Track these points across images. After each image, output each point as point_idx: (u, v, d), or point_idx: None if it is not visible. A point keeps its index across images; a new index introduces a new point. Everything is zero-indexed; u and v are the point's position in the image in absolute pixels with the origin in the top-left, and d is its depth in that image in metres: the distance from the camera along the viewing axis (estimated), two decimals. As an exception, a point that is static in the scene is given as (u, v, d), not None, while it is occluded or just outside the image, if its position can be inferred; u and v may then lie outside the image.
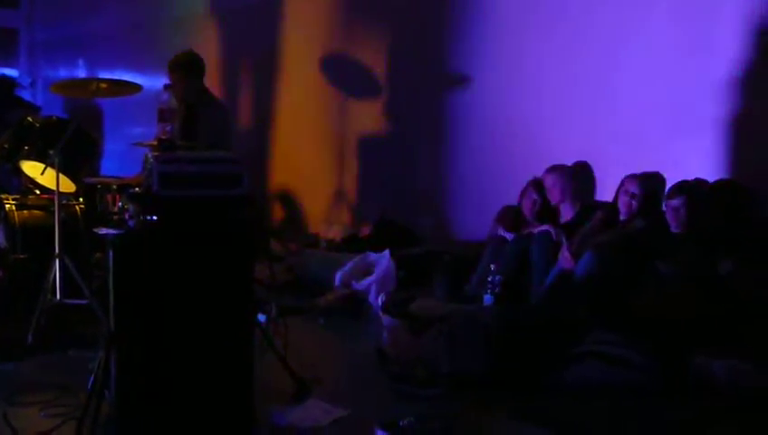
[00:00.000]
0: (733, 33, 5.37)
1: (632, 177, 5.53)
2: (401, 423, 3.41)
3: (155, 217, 3.20)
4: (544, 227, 5.67)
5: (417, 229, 7.20)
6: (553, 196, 5.85)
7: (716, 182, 5.32)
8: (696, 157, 5.53)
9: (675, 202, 5.15)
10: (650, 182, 5.50)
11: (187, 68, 5.78)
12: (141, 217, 3.23)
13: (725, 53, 5.41)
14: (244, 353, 3.39)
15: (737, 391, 4.02)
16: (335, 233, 7.81)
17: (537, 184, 6.03)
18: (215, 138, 5.63)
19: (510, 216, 6.11)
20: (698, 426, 3.69)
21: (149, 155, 3.32)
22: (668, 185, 5.40)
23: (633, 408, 3.88)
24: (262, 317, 4.80)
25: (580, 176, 5.94)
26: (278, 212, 8.68)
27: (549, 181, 5.87)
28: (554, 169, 5.90)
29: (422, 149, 7.39)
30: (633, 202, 5.44)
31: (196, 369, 3.30)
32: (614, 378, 4.13)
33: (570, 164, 5.99)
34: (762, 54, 5.30)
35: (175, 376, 3.28)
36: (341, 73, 8.05)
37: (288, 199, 8.58)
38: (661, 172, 5.51)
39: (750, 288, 4.55)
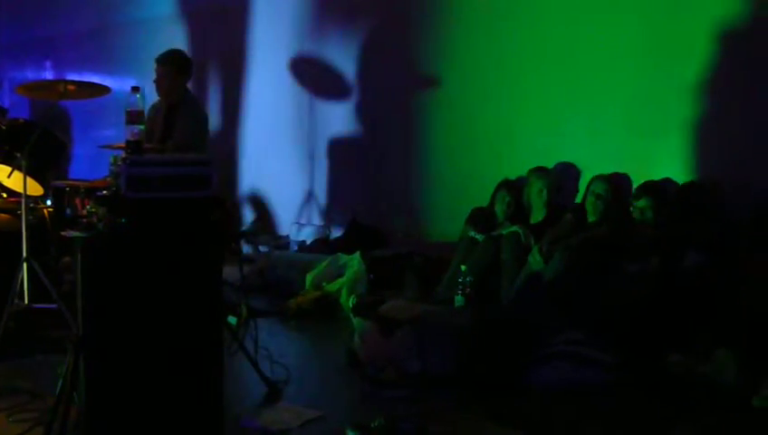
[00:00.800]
0: (701, 34, 5.42)
1: (598, 178, 5.57)
2: (372, 425, 3.41)
3: (123, 220, 3.18)
4: (514, 228, 5.69)
5: (388, 231, 7.21)
6: (542, 197, 5.86)
7: (686, 183, 5.37)
8: (663, 157, 5.58)
9: (642, 203, 5.19)
10: (616, 183, 5.53)
11: (177, 64, 5.78)
12: (110, 220, 3.20)
13: (693, 54, 5.46)
14: (214, 356, 3.37)
15: (707, 387, 4.06)
16: (306, 235, 7.80)
17: (508, 185, 6.05)
18: (192, 138, 5.62)
19: (481, 217, 6.12)
20: (669, 423, 3.72)
21: (117, 157, 3.29)
22: (636, 185, 5.45)
23: (603, 407, 3.92)
24: (232, 319, 4.78)
25: (562, 177, 5.98)
26: (249, 214, 8.65)
27: (537, 184, 5.88)
28: (535, 170, 5.92)
29: (393, 150, 7.39)
30: (599, 203, 5.48)
31: (165, 372, 3.27)
32: (584, 377, 4.16)
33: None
34: (728, 56, 5.35)
35: (143, 380, 3.25)
36: (311, 75, 8.03)
37: (259, 201, 8.55)
38: (627, 173, 5.55)
39: (716, 285, 4.59)
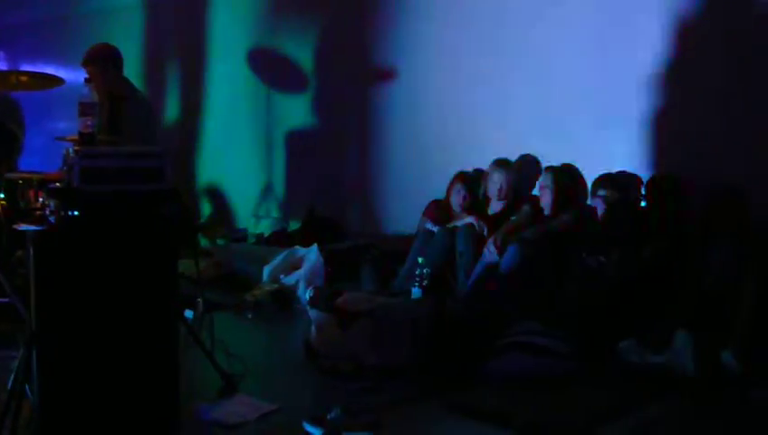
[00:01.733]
0: (657, 28, 5.48)
1: (547, 169, 5.60)
2: (329, 417, 3.42)
3: (76, 213, 3.15)
4: (468, 219, 5.72)
5: (345, 224, 7.21)
6: (502, 191, 5.88)
7: (651, 176, 5.42)
8: (620, 150, 5.63)
9: (600, 194, 5.23)
10: (564, 174, 5.56)
11: (101, 61, 5.63)
12: (63, 213, 3.17)
13: (650, 48, 5.52)
14: (169, 349, 3.35)
15: (661, 374, 4.12)
16: (263, 228, 7.78)
17: (464, 177, 6.07)
18: (139, 131, 5.54)
19: (438, 209, 6.14)
20: (624, 410, 3.76)
21: (70, 150, 3.26)
22: (594, 178, 5.49)
23: (558, 396, 3.95)
24: (189, 313, 4.76)
25: (522, 169, 6.00)
26: (206, 207, 8.61)
27: (496, 176, 5.89)
28: (501, 163, 5.93)
29: (350, 143, 7.40)
30: (546, 193, 5.51)
31: (120, 366, 3.25)
32: (542, 368, 4.19)
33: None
34: (684, 50, 5.41)
35: (98, 374, 3.23)
36: (268, 67, 8.00)
37: (216, 194, 8.51)
38: (577, 164, 5.59)
39: (674, 274, 4.65)
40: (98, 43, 5.74)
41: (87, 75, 5.52)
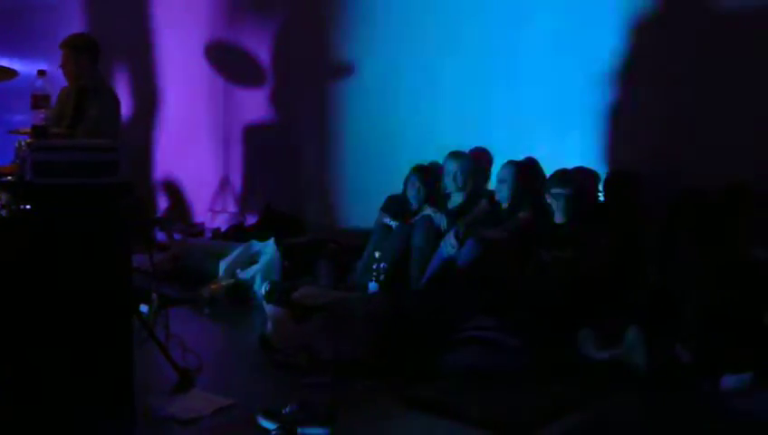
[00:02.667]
0: (612, 24, 5.52)
1: (507, 163, 5.63)
2: (284, 411, 3.42)
3: (29, 207, 3.12)
4: (427, 211, 5.72)
5: (302, 218, 7.20)
6: (457, 181, 5.89)
7: (609, 172, 5.47)
8: (577, 146, 5.67)
9: (557, 191, 5.26)
10: (523, 168, 5.60)
11: (79, 47, 5.64)
12: (14, 207, 3.14)
13: (606, 45, 5.56)
14: (123, 344, 3.33)
15: (614, 369, 4.17)
16: (220, 222, 7.75)
17: (419, 171, 6.09)
18: (103, 123, 5.52)
19: (395, 204, 6.16)
20: (576, 404, 3.81)
21: (23, 143, 3.23)
22: (550, 173, 5.52)
23: (513, 390, 3.98)
24: (144, 308, 4.73)
25: (477, 162, 6.02)
26: (163, 201, 8.54)
27: (452, 167, 5.90)
28: (455, 154, 5.94)
29: (308, 137, 7.38)
30: (503, 188, 5.54)
31: (72, 362, 3.23)
32: (496, 362, 4.22)
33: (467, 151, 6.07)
34: (640, 46, 5.46)
35: (49, 370, 3.20)
36: (225, 61, 7.96)
37: (173, 188, 8.45)
38: (534, 157, 5.63)
39: (627, 270, 4.71)
40: (79, 32, 5.78)
41: (61, 60, 5.53)
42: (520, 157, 5.76)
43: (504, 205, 5.58)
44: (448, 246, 5.42)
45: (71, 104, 5.64)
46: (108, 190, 3.23)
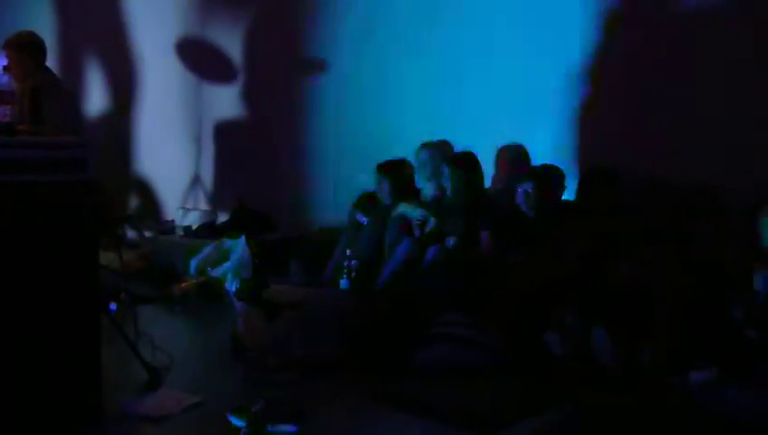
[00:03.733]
0: (582, 23, 5.55)
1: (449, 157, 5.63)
2: (253, 409, 3.40)
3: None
4: (399, 211, 5.71)
5: (275, 216, 7.18)
6: (426, 170, 5.88)
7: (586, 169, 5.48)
8: (545, 144, 5.69)
9: (525, 186, 5.27)
10: (461, 161, 5.60)
11: (21, 48, 5.51)
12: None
13: (575, 43, 5.58)
14: (91, 343, 3.31)
15: (586, 365, 4.20)
16: (192, 220, 7.71)
17: (384, 168, 6.05)
18: (63, 122, 5.45)
19: (368, 202, 6.14)
20: (546, 401, 3.82)
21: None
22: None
23: (484, 388, 4.00)
24: (113, 306, 4.70)
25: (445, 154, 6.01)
26: (134, 199, 8.49)
27: (423, 156, 5.89)
28: (427, 145, 5.93)
29: (280, 134, 7.36)
30: (455, 179, 5.53)
31: (39, 361, 3.20)
32: (466, 359, 4.23)
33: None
34: (608, 45, 5.49)
35: (15, 368, 3.17)
36: (197, 58, 7.92)
37: (144, 186, 8.40)
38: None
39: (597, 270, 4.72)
40: (22, 30, 5.63)
41: (6, 62, 5.44)
42: (488, 154, 5.78)
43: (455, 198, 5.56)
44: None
45: (27, 103, 5.56)
46: (74, 188, 3.20)
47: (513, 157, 5.80)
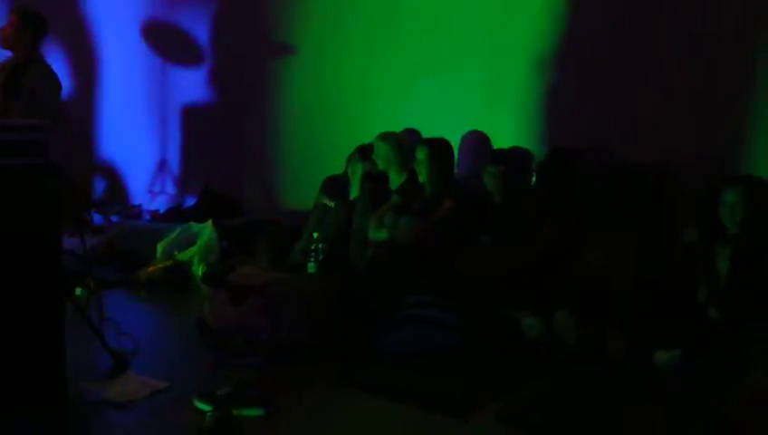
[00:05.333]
0: (547, 8, 5.55)
1: (420, 142, 5.62)
2: (219, 393, 3.39)
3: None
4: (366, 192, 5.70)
5: (242, 199, 7.15)
6: (379, 162, 5.86)
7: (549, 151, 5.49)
8: (514, 126, 5.70)
9: (491, 170, 5.27)
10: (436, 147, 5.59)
11: (28, 20, 5.60)
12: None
13: (540, 25, 5.58)
14: (54, 328, 3.28)
15: (552, 347, 4.24)
16: (159, 204, 7.67)
17: (362, 151, 6.05)
18: (39, 100, 5.45)
19: (335, 184, 6.12)
20: (514, 381, 3.85)
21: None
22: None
23: (453, 369, 4.02)
24: (79, 291, 4.66)
25: (407, 143, 5.98)
26: (100, 183, 8.42)
27: (378, 147, 5.88)
28: (386, 136, 5.91)
29: (247, 117, 7.32)
30: (421, 168, 5.51)
31: (1, 347, 3.16)
32: (435, 341, 4.24)
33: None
34: (573, 26, 5.50)
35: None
36: (164, 41, 7.85)
37: (110, 170, 8.33)
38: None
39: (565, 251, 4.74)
40: (36, 9, 5.75)
41: (7, 23, 5.47)
42: (457, 136, 5.77)
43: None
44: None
45: (3, 78, 5.55)
46: (35, 171, 3.16)
47: (476, 143, 5.79)
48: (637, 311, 4.17)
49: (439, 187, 5.38)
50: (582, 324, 4.23)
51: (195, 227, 6.08)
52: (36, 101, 5.44)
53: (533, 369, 4.03)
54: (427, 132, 5.91)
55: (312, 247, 5.31)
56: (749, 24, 4.89)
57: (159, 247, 5.94)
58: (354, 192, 5.91)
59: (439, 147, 5.46)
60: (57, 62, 8.24)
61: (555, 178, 5.21)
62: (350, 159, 6.06)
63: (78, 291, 4.71)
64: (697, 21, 5.00)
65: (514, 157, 5.40)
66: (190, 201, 7.46)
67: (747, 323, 3.91)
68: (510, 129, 5.69)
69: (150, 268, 5.70)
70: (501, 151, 5.44)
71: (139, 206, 7.82)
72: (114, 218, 7.54)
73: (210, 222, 6.02)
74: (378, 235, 5.35)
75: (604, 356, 4.09)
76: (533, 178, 5.45)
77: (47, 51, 8.06)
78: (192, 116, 7.74)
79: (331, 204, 5.86)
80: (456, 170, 5.72)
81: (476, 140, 5.82)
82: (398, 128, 6.03)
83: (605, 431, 3.38)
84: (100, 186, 8.38)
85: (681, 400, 3.62)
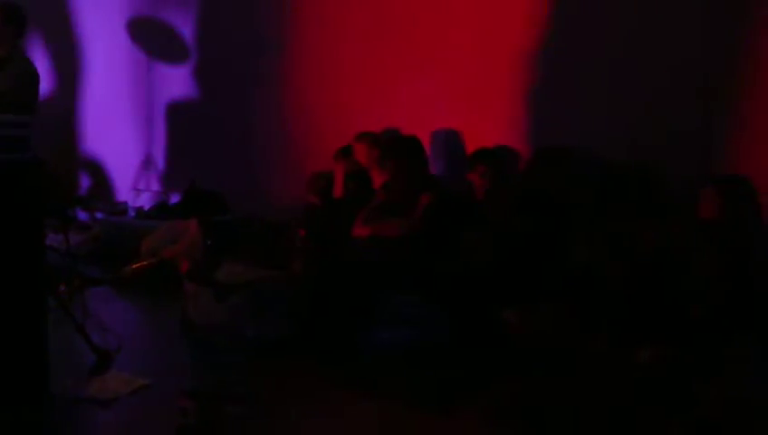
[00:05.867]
0: (527, 6, 5.55)
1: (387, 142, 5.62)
2: (203, 390, 3.38)
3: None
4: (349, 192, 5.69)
5: (227, 196, 7.13)
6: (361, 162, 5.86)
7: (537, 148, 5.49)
8: (495, 125, 5.70)
9: (477, 168, 5.27)
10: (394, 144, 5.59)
11: (8, 17, 5.57)
12: None
13: (520, 23, 5.59)
14: (36, 325, 3.26)
15: (537, 342, 4.24)
16: (144, 201, 7.64)
17: (345, 150, 6.05)
18: (16, 96, 5.42)
19: (321, 182, 6.11)
20: (497, 377, 3.87)
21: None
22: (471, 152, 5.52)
23: (435, 365, 4.02)
24: (64, 288, 4.64)
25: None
26: (85, 180, 8.39)
27: (356, 148, 5.88)
28: (362, 136, 5.92)
29: (233, 115, 7.29)
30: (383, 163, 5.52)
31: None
32: (417, 338, 4.24)
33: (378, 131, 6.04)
34: (555, 26, 5.50)
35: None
36: (149, 36, 7.82)
37: (96, 167, 8.30)
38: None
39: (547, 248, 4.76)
40: (15, 3, 5.73)
41: None
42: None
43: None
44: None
45: None
46: (17, 167, 3.13)
47: (447, 141, 5.79)
48: (620, 307, 4.18)
49: (416, 184, 5.38)
50: (565, 321, 4.23)
51: (180, 224, 6.06)
52: (7, 96, 5.43)
53: (516, 365, 4.04)
54: (409, 130, 5.91)
55: (297, 245, 5.29)
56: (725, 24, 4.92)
57: (144, 245, 5.91)
58: (338, 191, 5.91)
59: (410, 145, 5.47)
60: (42, 57, 8.26)
61: (540, 177, 5.23)
62: (337, 158, 6.06)
63: (63, 288, 4.69)
64: (681, 20, 5.02)
65: (499, 156, 5.40)
66: (175, 198, 7.43)
67: (729, 320, 3.93)
68: (495, 128, 5.68)
69: (135, 265, 5.68)
70: (485, 150, 5.43)
71: (125, 203, 7.78)
72: (99, 215, 7.52)
73: (195, 219, 6.00)
74: (362, 232, 5.34)
75: (587, 352, 4.10)
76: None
77: (33, 46, 8.09)
78: (177, 113, 7.71)
79: (317, 202, 5.85)
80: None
81: (447, 137, 5.82)
82: (379, 125, 6.02)
83: (586, 427, 3.39)
84: (85, 182, 8.36)
85: (662, 396, 3.63)
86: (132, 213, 7.50)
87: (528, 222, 4.84)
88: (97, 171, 8.28)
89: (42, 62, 8.20)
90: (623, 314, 4.15)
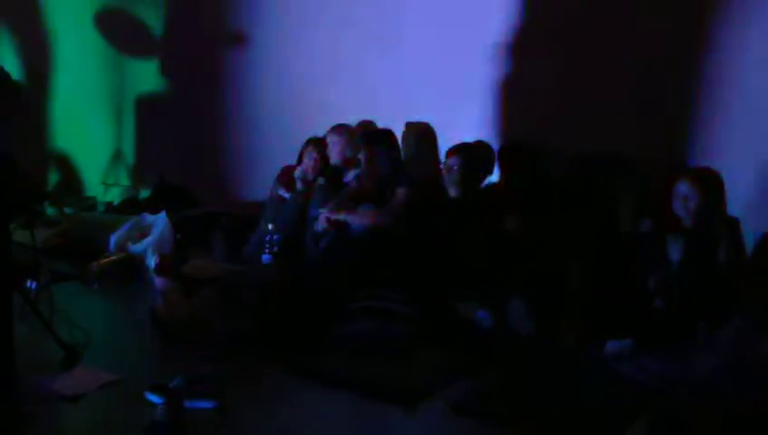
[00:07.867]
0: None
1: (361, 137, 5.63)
2: (171, 385, 3.38)
3: None
4: (320, 183, 5.68)
5: (197, 191, 7.11)
6: (332, 155, 5.86)
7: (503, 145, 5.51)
8: (470, 119, 5.71)
9: (450, 162, 5.28)
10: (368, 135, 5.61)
11: None
12: None
13: (498, 17, 5.60)
14: (2, 321, 3.24)
15: (500, 338, 4.27)
16: (113, 196, 7.61)
17: (317, 142, 6.03)
18: None
19: (290, 175, 6.10)
20: (463, 372, 3.88)
21: None
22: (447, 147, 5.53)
23: (403, 359, 4.04)
24: (32, 284, 4.61)
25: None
26: (54, 175, 8.33)
27: (330, 140, 5.87)
28: (336, 128, 5.91)
29: (203, 108, 7.27)
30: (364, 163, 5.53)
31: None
32: (387, 331, 4.25)
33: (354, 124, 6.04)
34: (530, 20, 5.53)
35: None
36: (117, 30, 7.77)
37: (64, 161, 8.24)
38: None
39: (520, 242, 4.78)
40: None
41: None
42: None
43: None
44: (319, 223, 5.40)
45: None
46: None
47: (419, 133, 5.80)
48: (589, 300, 4.22)
49: (390, 175, 5.39)
50: (535, 314, 4.27)
51: (149, 218, 6.03)
52: None
53: (486, 359, 4.05)
54: (384, 124, 5.91)
55: (267, 239, 5.29)
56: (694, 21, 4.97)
57: (113, 239, 5.88)
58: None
59: (384, 136, 5.49)
60: (9, 50, 8.19)
61: (513, 172, 5.25)
62: (303, 151, 6.04)
63: (31, 284, 4.65)
64: (653, 15, 5.05)
65: (474, 150, 5.41)
66: (145, 193, 7.40)
67: (696, 313, 3.97)
68: (470, 121, 5.70)
69: (104, 260, 5.64)
70: (461, 144, 5.44)
71: (94, 197, 7.74)
72: (67, 210, 7.46)
73: (164, 213, 5.97)
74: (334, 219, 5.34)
75: (557, 346, 4.13)
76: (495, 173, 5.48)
77: (0, 41, 8.02)
78: (147, 107, 7.68)
79: (287, 195, 5.85)
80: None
81: (419, 130, 5.82)
82: (352, 118, 6.03)
83: (557, 421, 3.41)
84: (53, 177, 8.30)
85: (632, 390, 3.67)
86: (101, 208, 7.46)
87: (514, 222, 4.87)
88: (66, 166, 8.22)
89: (10, 56, 8.14)
90: (593, 306, 4.19)
